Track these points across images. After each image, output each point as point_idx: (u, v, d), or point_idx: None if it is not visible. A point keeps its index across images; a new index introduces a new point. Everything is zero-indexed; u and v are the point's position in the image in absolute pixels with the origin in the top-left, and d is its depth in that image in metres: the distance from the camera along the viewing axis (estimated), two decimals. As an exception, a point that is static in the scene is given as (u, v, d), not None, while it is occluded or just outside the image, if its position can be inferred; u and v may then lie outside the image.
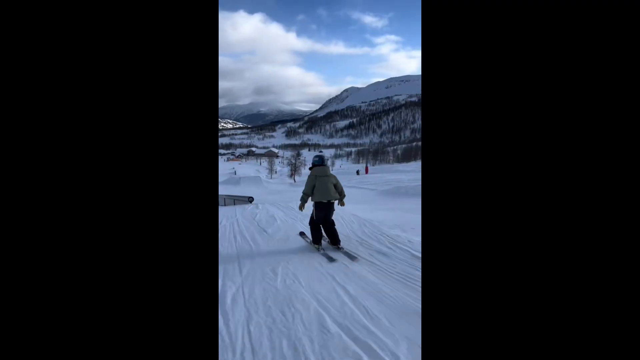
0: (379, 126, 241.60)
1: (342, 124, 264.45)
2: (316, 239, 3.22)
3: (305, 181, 3.32)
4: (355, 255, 2.83)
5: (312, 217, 3.31)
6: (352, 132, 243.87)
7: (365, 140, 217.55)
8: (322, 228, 3.25)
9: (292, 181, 32.21)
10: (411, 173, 20.88)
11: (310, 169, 3.42)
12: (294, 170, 33.78)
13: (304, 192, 3.28)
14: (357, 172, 27.29)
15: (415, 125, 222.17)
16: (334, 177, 3.30)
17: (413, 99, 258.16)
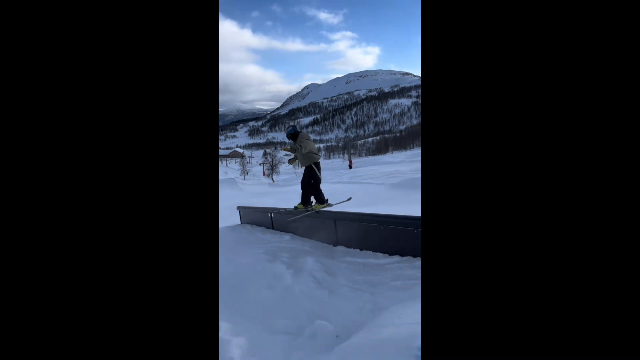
0: (343, 121, 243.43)
1: (306, 120, 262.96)
2: (322, 199, 3.33)
3: (300, 144, 3.27)
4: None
5: (310, 181, 3.29)
6: (317, 128, 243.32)
7: (331, 135, 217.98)
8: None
9: (271, 181, 30.01)
10: (405, 164, 19.86)
11: (290, 137, 3.42)
12: (272, 168, 31.49)
13: (299, 150, 3.24)
14: (350, 166, 26.03)
15: (377, 118, 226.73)
16: None
17: (373, 93, 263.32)
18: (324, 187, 3.60)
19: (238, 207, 5.38)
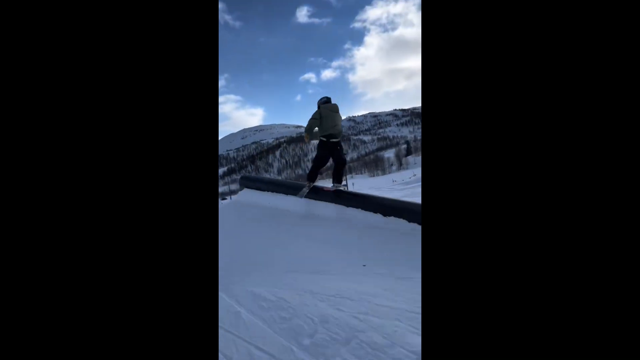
0: (270, 164, 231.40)
1: (219, 171, 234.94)
2: (312, 178, 3.56)
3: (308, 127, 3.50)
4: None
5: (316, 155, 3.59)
6: (235, 176, 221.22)
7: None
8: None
9: None
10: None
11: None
12: None
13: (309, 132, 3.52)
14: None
15: (311, 155, 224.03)
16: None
17: (282, 139, 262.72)
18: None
19: None
